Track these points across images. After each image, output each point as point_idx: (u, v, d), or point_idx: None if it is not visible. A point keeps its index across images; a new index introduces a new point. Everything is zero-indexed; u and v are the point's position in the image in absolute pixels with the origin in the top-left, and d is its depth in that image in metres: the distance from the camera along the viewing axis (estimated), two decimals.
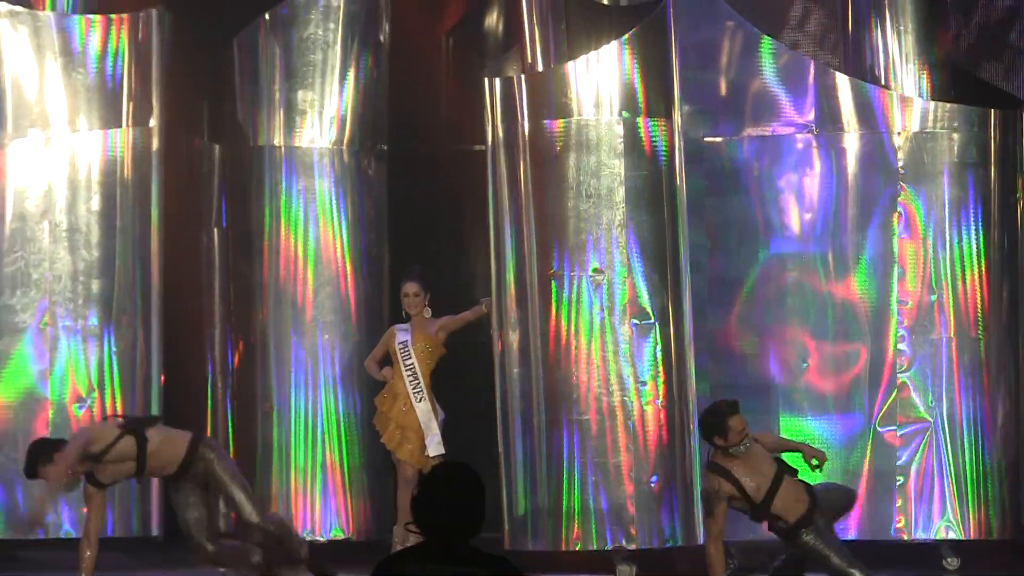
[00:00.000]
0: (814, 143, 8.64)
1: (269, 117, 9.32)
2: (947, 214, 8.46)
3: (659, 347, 8.09)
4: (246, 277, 9.40)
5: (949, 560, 8.23)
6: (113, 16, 9.01)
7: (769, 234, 8.68)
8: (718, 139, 8.80)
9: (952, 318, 8.44)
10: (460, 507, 3.36)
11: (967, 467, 8.39)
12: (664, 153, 8.27)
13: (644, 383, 8.09)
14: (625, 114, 8.21)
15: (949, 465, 8.37)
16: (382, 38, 9.54)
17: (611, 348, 8.06)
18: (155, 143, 9.11)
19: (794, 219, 8.66)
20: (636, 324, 8.04)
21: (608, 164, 8.14)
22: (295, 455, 9.16)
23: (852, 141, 8.57)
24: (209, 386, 9.58)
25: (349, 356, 9.16)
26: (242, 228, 9.49)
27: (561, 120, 8.20)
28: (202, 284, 9.77)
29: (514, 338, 8.21)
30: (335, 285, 9.24)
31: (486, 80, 8.45)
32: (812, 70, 8.76)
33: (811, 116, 8.63)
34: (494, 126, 8.36)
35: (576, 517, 8.05)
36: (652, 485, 8.07)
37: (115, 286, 8.97)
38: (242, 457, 9.14)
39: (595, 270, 8.06)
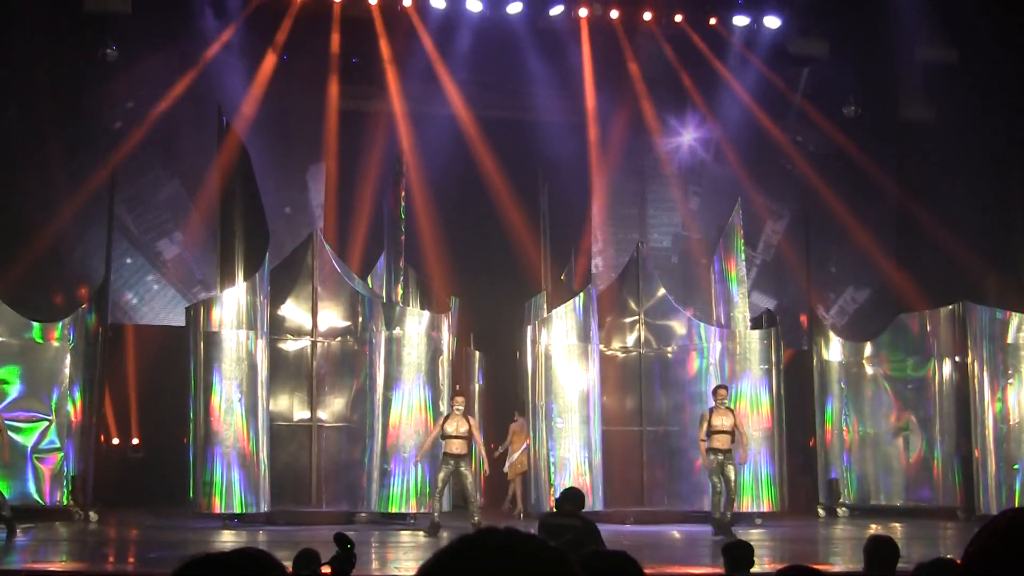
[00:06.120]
0: (696, 349, 20.55)
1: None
2: (749, 383, 20.03)
3: None
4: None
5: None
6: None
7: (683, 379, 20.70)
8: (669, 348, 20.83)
9: (755, 423, 19.94)
10: (570, 499, 10.03)
11: (765, 478, 19.97)
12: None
13: None
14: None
15: (757, 476, 19.93)
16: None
17: None
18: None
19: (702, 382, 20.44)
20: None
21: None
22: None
23: (710, 349, 20.36)
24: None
25: None
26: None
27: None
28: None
29: None
30: None
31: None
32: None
33: (683, 331, 20.56)
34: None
35: None
36: None
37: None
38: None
39: None
